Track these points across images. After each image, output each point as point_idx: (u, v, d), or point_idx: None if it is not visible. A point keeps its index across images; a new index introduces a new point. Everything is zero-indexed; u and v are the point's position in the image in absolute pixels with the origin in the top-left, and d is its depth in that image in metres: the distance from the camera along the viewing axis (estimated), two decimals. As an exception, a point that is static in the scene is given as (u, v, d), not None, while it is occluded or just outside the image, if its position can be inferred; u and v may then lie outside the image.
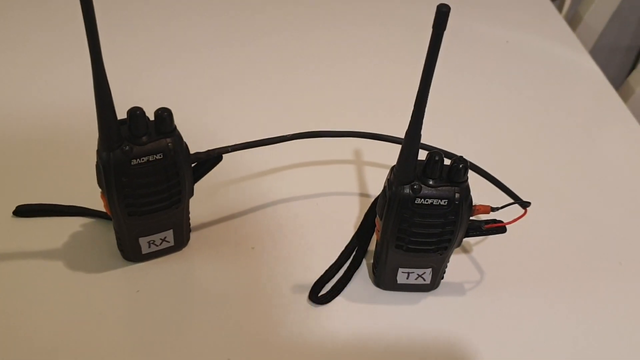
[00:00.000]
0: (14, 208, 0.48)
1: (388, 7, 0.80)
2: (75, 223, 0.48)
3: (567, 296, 0.47)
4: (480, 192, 0.44)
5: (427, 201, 0.39)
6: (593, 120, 0.66)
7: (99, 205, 0.48)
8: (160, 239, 0.45)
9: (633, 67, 1.73)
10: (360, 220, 0.50)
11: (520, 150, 0.60)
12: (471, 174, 0.43)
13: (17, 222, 0.47)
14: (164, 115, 0.40)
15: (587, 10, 0.94)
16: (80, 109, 0.58)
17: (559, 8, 1.05)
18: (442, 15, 0.32)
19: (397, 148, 0.47)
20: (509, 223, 0.43)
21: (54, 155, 0.54)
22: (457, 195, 0.39)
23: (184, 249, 0.47)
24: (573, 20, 0.98)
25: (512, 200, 0.44)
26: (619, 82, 1.83)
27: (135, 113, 0.39)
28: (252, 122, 0.59)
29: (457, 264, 0.47)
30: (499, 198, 0.46)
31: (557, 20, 0.82)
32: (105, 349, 0.40)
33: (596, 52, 1.00)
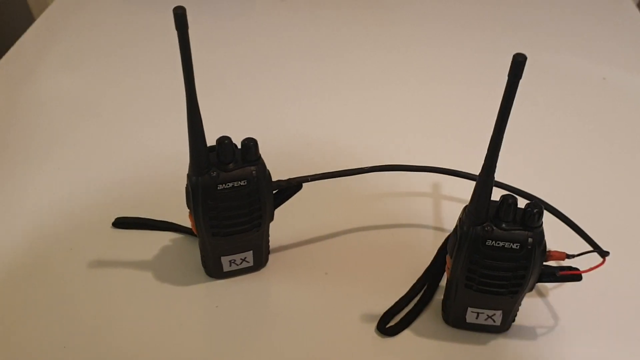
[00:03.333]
0: (113, 219, 0.52)
1: (483, 45, 0.80)
2: (166, 237, 0.52)
3: (647, 351, 0.45)
4: (559, 235, 0.44)
5: (498, 244, 0.40)
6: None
7: (187, 222, 0.52)
8: (241, 258, 0.48)
9: None
10: (433, 255, 0.50)
11: (607, 195, 0.58)
12: (550, 216, 0.43)
13: (115, 232, 0.52)
14: (250, 144, 0.42)
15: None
16: (178, 136, 0.62)
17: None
18: (518, 64, 0.33)
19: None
20: (585, 272, 0.42)
21: (153, 174, 0.59)
22: (530, 240, 0.39)
23: (262, 270, 0.49)
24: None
25: (590, 248, 0.43)
26: None
27: (224, 142, 0.42)
28: (333, 152, 0.61)
29: (530, 308, 0.46)
30: (577, 243, 0.45)
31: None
32: (181, 359, 0.43)
33: None
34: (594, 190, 0.58)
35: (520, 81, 0.33)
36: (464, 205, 0.42)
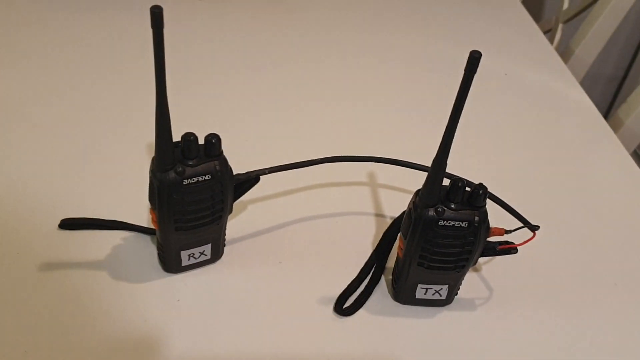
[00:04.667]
0: (59, 221, 0.51)
1: (410, 37, 0.85)
2: (117, 236, 0.51)
3: (568, 312, 0.51)
4: (492, 216, 0.49)
5: (449, 223, 0.44)
6: (586, 149, 0.71)
7: (138, 219, 0.52)
8: (200, 252, 0.48)
9: (615, 94, 1.81)
10: (378, 239, 0.54)
11: (523, 178, 0.65)
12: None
13: (63, 234, 0.51)
14: (213, 140, 0.43)
15: (579, 45, 1.00)
16: (123, 130, 0.62)
17: (550, 41, 1.11)
18: (473, 60, 0.37)
19: (412, 172, 0.52)
20: (520, 245, 0.47)
21: (97, 171, 0.58)
22: (476, 218, 0.44)
23: (218, 262, 0.51)
24: (565, 53, 1.04)
25: (522, 225, 0.49)
26: (602, 108, 1.91)
27: (189, 138, 0.42)
28: (282, 145, 0.64)
29: (469, 282, 0.51)
30: (508, 222, 0.50)
31: (551, 54, 0.88)
32: (150, 354, 0.44)
33: (582, 81, 1.07)
34: (503, 175, 0.65)
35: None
36: (400, 193, 0.46)
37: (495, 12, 0.96)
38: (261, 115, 0.68)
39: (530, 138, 0.71)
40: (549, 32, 1.18)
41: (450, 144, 0.41)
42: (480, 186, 0.44)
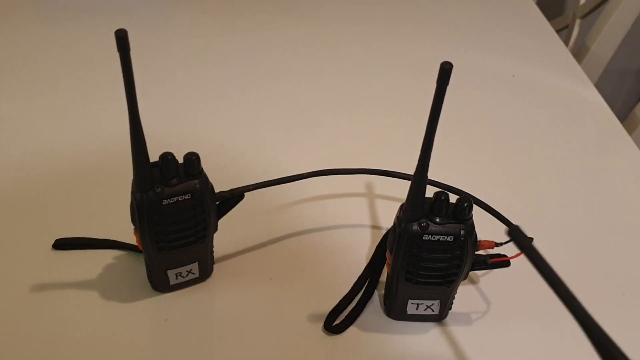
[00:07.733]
0: (53, 241, 0.52)
1: (398, 47, 0.84)
2: (109, 255, 0.51)
3: (571, 326, 0.49)
4: (486, 226, 0.47)
5: (434, 237, 0.42)
6: (598, 153, 0.69)
7: (129, 238, 0.52)
8: (187, 271, 0.48)
9: (645, 89, 1.75)
10: (372, 252, 0.53)
11: (526, 184, 0.63)
12: (477, 208, 0.46)
13: (56, 254, 0.51)
14: (192, 158, 0.43)
15: (595, 41, 0.97)
16: (114, 148, 0.62)
17: (566, 40, 1.08)
18: (445, 72, 0.36)
19: (406, 182, 0.51)
20: (513, 257, 0.46)
21: (89, 191, 0.58)
22: (462, 232, 0.42)
23: (207, 280, 0.50)
24: (580, 51, 1.01)
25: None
26: (630, 105, 1.85)
27: (167, 158, 0.42)
28: (270, 160, 0.63)
29: (464, 295, 0.50)
30: (503, 232, 0.49)
31: (563, 53, 0.85)
32: (137, 375, 0.44)
33: (605, 77, 1.03)
34: (512, 180, 0.63)
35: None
36: (396, 203, 0.45)
37: (503, 9, 0.94)
38: (247, 130, 0.67)
39: (537, 143, 0.69)
40: (566, 29, 1.15)
41: (429, 158, 0.40)
42: (465, 199, 0.42)
